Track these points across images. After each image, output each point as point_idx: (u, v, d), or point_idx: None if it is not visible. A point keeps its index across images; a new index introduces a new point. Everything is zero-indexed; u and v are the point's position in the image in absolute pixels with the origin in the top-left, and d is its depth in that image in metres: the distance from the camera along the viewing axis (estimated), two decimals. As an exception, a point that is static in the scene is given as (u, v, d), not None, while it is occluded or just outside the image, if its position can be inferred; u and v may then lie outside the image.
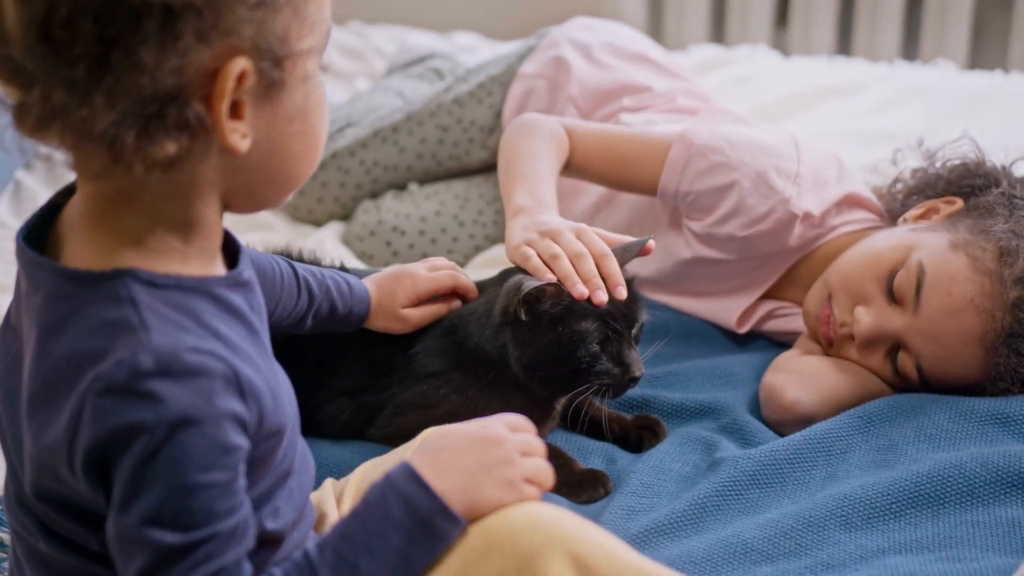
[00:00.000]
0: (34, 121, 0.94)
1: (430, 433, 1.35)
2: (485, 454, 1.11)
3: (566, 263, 1.48)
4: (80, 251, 1.01)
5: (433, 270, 1.59)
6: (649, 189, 1.86)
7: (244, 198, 1.06)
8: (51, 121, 0.93)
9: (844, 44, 3.88)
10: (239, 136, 0.98)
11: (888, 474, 1.46)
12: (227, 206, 1.05)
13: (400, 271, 1.58)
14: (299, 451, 1.15)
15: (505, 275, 1.54)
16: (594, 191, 2.12)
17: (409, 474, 1.08)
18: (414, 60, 2.81)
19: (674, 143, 1.82)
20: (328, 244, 2.19)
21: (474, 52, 2.98)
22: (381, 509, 1.06)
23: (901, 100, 2.73)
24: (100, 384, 0.94)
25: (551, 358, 1.47)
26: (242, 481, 1.00)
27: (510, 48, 2.68)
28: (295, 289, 1.45)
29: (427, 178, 2.35)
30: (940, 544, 1.37)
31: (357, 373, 1.58)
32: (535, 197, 1.68)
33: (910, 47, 3.80)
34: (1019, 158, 1.82)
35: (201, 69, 0.94)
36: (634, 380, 1.50)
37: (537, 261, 1.50)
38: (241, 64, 0.95)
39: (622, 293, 1.47)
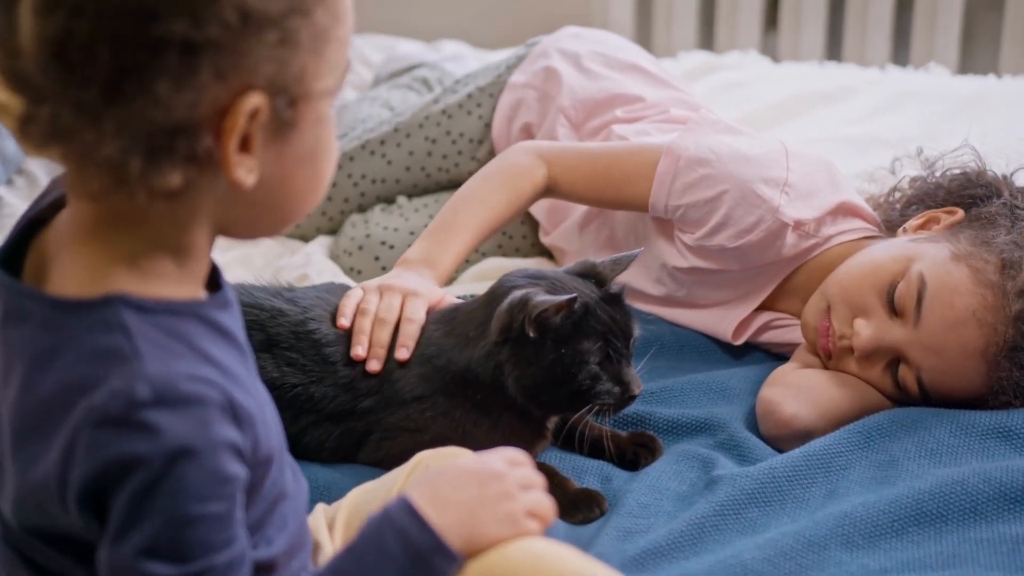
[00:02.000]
0: (39, 137, 0.92)
1: (422, 458, 1.33)
2: (485, 488, 1.08)
3: (366, 322, 1.53)
4: (69, 273, 0.98)
5: None
6: (640, 205, 1.85)
7: (242, 227, 1.04)
8: (57, 139, 0.92)
9: (834, 49, 3.87)
10: (245, 171, 0.96)
11: (889, 491, 1.43)
12: (224, 232, 1.03)
13: None
14: (289, 475, 1.13)
15: (494, 296, 1.51)
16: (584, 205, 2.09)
17: (406, 508, 1.05)
18: (401, 70, 2.78)
19: (662, 157, 1.81)
20: (316, 259, 2.16)
21: (461, 61, 2.96)
22: (377, 543, 1.04)
23: (893, 105, 2.71)
24: (95, 415, 0.92)
25: (553, 379, 1.45)
26: (240, 513, 0.98)
27: (498, 57, 2.66)
28: None
29: (416, 191, 2.32)
30: (943, 563, 1.34)
31: (336, 398, 1.54)
32: (427, 254, 1.74)
33: (900, 52, 3.78)
34: (1020, 167, 1.80)
35: (215, 104, 0.92)
36: (633, 398, 1.48)
37: (348, 305, 1.56)
38: (255, 101, 0.93)
39: (373, 367, 1.52)
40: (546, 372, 1.44)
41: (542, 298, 1.42)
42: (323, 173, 1.04)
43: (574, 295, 1.43)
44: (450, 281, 2.19)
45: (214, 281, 1.07)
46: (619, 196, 1.86)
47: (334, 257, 2.22)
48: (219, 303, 1.03)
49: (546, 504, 1.11)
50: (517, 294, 1.45)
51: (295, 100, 0.96)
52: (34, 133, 0.92)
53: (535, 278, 1.51)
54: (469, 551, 1.05)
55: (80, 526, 0.95)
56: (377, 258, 2.17)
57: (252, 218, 1.03)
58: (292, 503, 1.11)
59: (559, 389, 1.45)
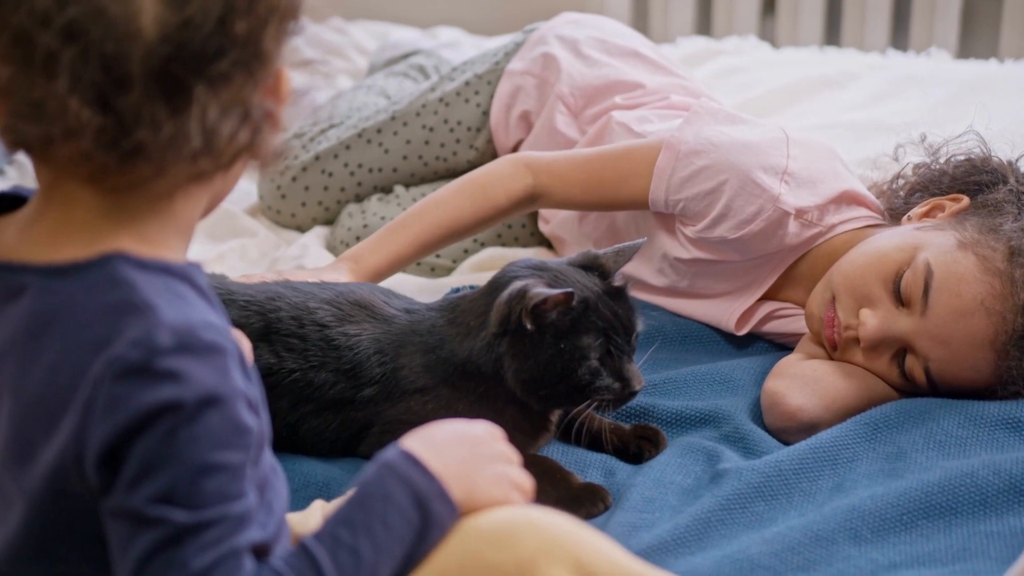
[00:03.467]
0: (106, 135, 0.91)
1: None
2: (477, 448, 1.10)
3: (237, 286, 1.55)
4: (59, 243, 0.97)
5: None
6: (640, 203, 1.83)
7: (216, 201, 1.06)
8: (167, 126, 0.92)
9: (832, 34, 3.85)
10: None
11: (897, 484, 1.40)
12: (209, 204, 1.05)
13: None
14: (271, 463, 1.11)
15: (496, 286, 1.48)
16: None
17: (407, 457, 1.05)
18: (397, 57, 2.76)
19: (661, 152, 1.79)
20: (312, 250, 2.14)
21: (458, 48, 2.93)
22: (381, 491, 1.03)
23: (895, 90, 2.69)
24: (116, 367, 0.90)
25: (552, 374, 1.42)
26: (250, 468, 0.97)
27: (495, 44, 2.63)
28: None
29: (413, 180, 2.30)
30: (953, 557, 1.31)
31: (336, 384, 1.51)
32: (358, 252, 1.80)
33: (899, 36, 3.76)
34: None
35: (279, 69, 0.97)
36: (634, 394, 1.46)
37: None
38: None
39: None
40: (545, 366, 1.42)
41: (539, 290, 1.40)
42: None
43: (571, 290, 1.40)
44: (449, 271, 2.17)
45: None
46: (617, 197, 1.85)
47: (331, 248, 2.19)
48: (199, 269, 1.03)
49: (527, 479, 1.13)
50: (517, 285, 1.43)
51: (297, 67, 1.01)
52: (127, 125, 0.91)
53: (538, 269, 1.48)
54: (465, 505, 1.06)
55: (96, 490, 0.93)
56: (375, 248, 2.15)
57: (226, 189, 1.05)
58: (274, 492, 1.10)
59: (558, 384, 1.43)
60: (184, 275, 0.99)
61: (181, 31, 0.89)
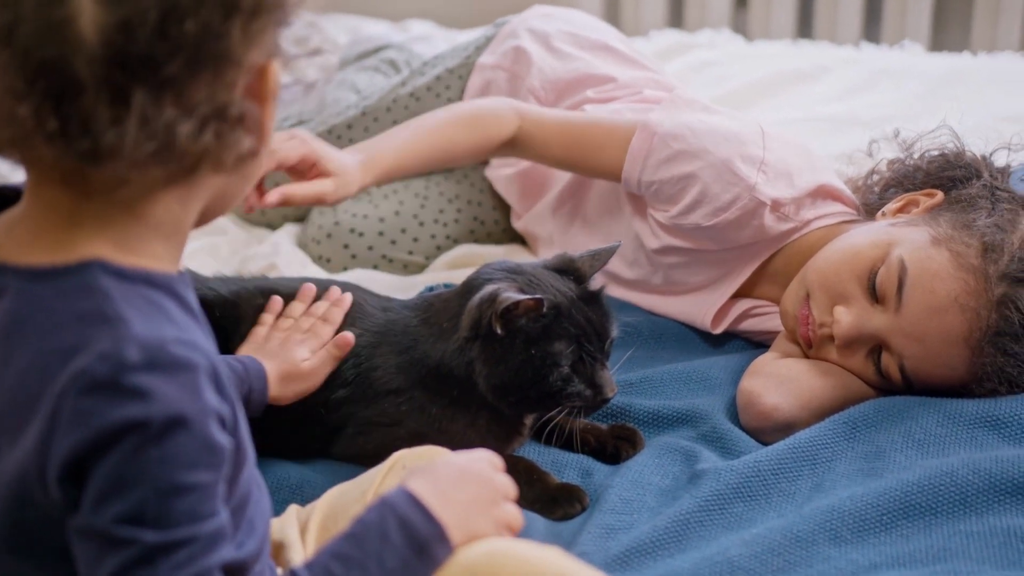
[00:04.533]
0: (94, 137, 0.88)
1: (399, 457, 1.31)
2: (481, 490, 1.10)
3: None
4: (37, 247, 0.94)
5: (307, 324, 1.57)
6: (612, 175, 1.83)
7: (219, 205, 1.03)
8: (126, 131, 0.88)
9: (805, 26, 3.84)
10: None
11: (877, 484, 1.39)
12: (206, 212, 1.02)
13: (283, 337, 1.53)
14: (255, 477, 1.09)
15: (469, 288, 1.46)
16: (559, 183, 2.05)
17: (409, 499, 1.04)
18: (368, 51, 2.73)
19: (636, 132, 1.78)
20: (284, 248, 2.11)
21: (429, 42, 2.91)
22: (379, 530, 1.02)
23: (868, 84, 2.69)
24: (82, 381, 0.88)
25: (523, 380, 1.41)
26: (222, 487, 0.95)
27: (467, 38, 2.61)
28: None
29: (384, 176, 2.27)
30: (934, 557, 1.30)
31: None
32: (363, 145, 1.77)
33: (872, 29, 3.76)
34: (999, 147, 1.76)
35: (255, 67, 0.93)
36: (605, 401, 1.45)
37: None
38: (276, 65, 0.95)
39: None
40: (515, 372, 1.41)
41: (509, 295, 1.38)
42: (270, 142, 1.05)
43: (540, 296, 1.39)
44: (422, 268, 2.15)
45: None
46: (591, 162, 1.85)
47: (302, 245, 2.17)
48: (185, 281, 1.01)
49: (520, 516, 1.13)
50: (488, 288, 1.41)
51: (288, 62, 0.98)
52: (86, 131, 0.88)
53: (512, 272, 1.46)
54: (461, 544, 1.06)
55: (59, 505, 0.91)
56: (346, 246, 2.13)
57: (233, 191, 1.03)
58: (257, 507, 1.08)
59: (529, 389, 1.42)
60: (166, 286, 0.96)
61: (119, 33, 0.86)
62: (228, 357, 1.43)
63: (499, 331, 1.38)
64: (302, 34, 3.04)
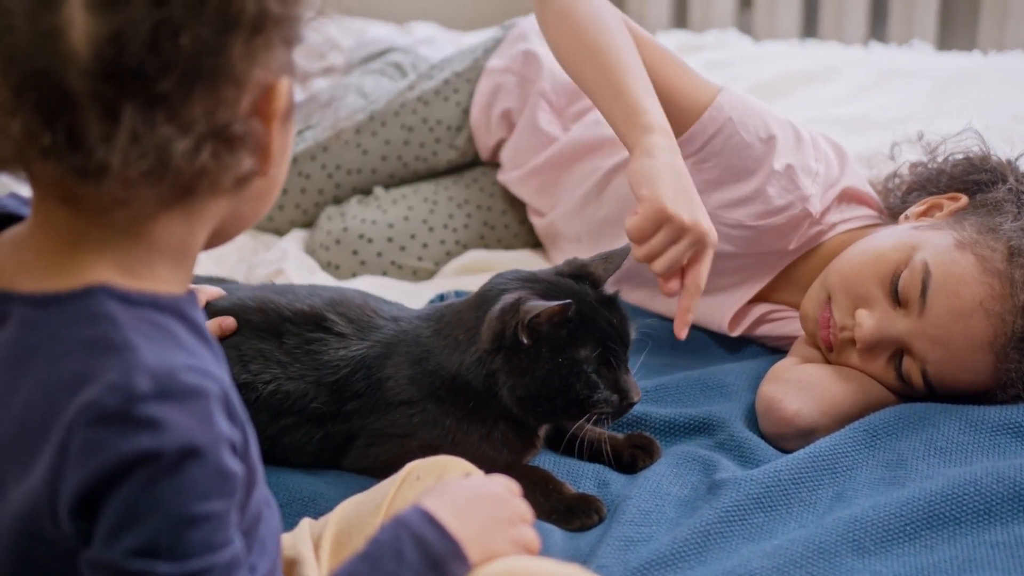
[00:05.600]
0: (85, 152, 0.85)
1: (413, 468, 1.28)
2: (498, 509, 1.07)
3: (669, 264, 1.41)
4: (40, 274, 0.92)
5: None
6: (689, 110, 1.69)
7: (234, 225, 1.00)
8: (116, 147, 0.85)
9: (810, 26, 3.82)
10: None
11: (899, 493, 1.37)
12: (218, 232, 0.99)
13: None
14: (265, 496, 1.07)
15: (484, 299, 1.44)
16: (580, 178, 2.01)
17: (424, 516, 1.02)
18: (373, 54, 2.71)
19: (717, 105, 1.68)
20: (292, 254, 2.09)
21: (434, 44, 2.89)
22: (393, 549, 1.00)
23: (878, 84, 2.67)
24: (91, 413, 0.85)
25: (550, 389, 1.38)
26: (235, 515, 0.93)
27: (472, 40, 2.59)
28: None
29: (393, 181, 2.25)
30: (959, 568, 1.28)
31: (319, 399, 1.47)
32: (662, 118, 1.51)
33: (878, 28, 3.74)
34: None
35: (262, 85, 0.90)
36: (631, 406, 1.43)
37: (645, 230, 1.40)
38: (287, 83, 0.92)
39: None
40: (542, 381, 1.38)
41: (534, 303, 1.35)
42: (289, 161, 1.03)
43: (569, 301, 1.36)
44: (431, 274, 2.13)
45: None
46: (673, 90, 1.68)
47: (310, 251, 2.15)
48: (193, 301, 0.98)
49: (537, 540, 1.11)
50: (509, 298, 1.38)
51: (304, 80, 0.95)
52: (76, 147, 0.85)
53: (527, 281, 1.44)
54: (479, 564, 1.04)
55: (71, 538, 0.89)
56: (355, 252, 2.10)
57: (246, 213, 1.00)
58: (268, 527, 1.06)
59: (556, 399, 1.39)
60: (173, 308, 0.94)
61: (110, 46, 0.82)
62: None
63: (526, 341, 1.36)
64: (320, 50, 3.02)
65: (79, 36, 0.82)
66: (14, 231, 0.96)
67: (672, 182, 1.41)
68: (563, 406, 1.40)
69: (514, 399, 1.40)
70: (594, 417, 1.41)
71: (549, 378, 1.38)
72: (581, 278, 1.46)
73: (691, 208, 1.41)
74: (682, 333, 1.44)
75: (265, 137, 0.91)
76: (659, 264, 1.40)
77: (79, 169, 0.85)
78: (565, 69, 1.65)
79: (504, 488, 1.11)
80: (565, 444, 1.51)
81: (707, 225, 1.41)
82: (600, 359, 1.39)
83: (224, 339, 1.46)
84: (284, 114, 0.93)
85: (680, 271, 1.44)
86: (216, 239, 0.99)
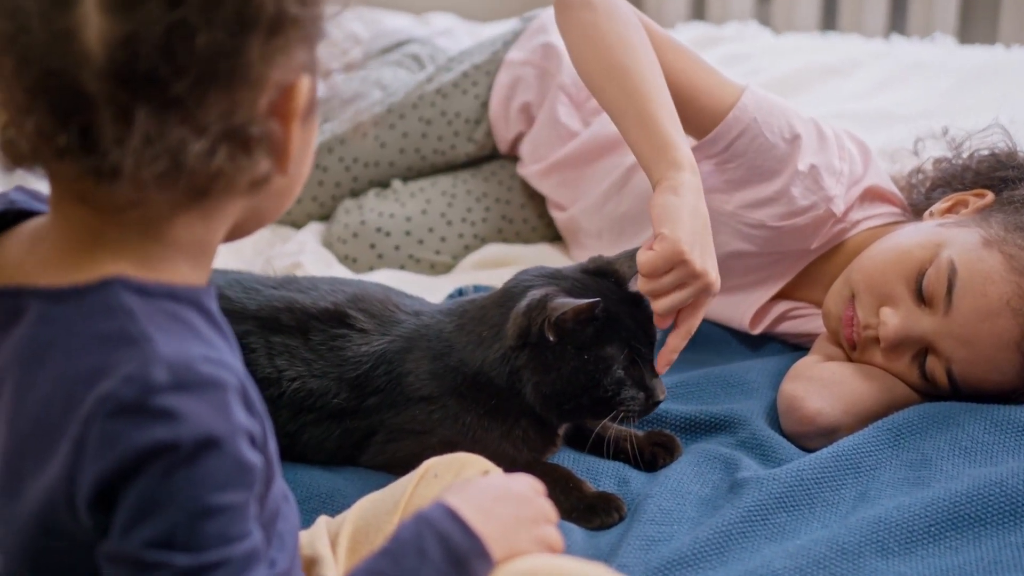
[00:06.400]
0: (100, 152, 0.84)
1: (431, 465, 1.28)
2: (522, 508, 1.06)
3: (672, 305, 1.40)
4: (57, 267, 0.91)
5: None
6: (711, 114, 1.67)
7: (254, 221, 0.99)
8: (129, 149, 0.84)
9: (829, 18, 3.80)
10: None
11: (924, 493, 1.35)
12: (237, 228, 0.98)
13: None
14: (283, 491, 1.07)
15: (509, 295, 1.42)
16: (603, 171, 2.00)
17: (447, 513, 1.01)
18: (390, 46, 2.69)
19: (741, 106, 1.66)
20: (309, 247, 2.08)
21: (452, 35, 2.87)
22: (415, 546, 0.99)
23: (900, 78, 2.64)
24: (108, 405, 0.85)
25: (576, 387, 1.37)
26: (255, 506, 0.92)
27: (490, 31, 2.58)
28: None
29: (411, 174, 2.24)
30: (984, 570, 1.26)
31: (340, 395, 1.46)
32: (690, 154, 1.49)
33: (898, 20, 3.71)
34: None
35: (281, 85, 0.89)
36: (658, 403, 1.42)
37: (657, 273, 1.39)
38: (307, 81, 0.90)
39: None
40: (568, 379, 1.37)
41: (562, 300, 1.34)
42: (311, 156, 1.01)
43: (597, 299, 1.35)
44: (449, 268, 2.12)
45: None
46: (695, 93, 1.66)
47: (327, 244, 2.13)
48: (211, 293, 0.97)
49: (561, 540, 1.10)
50: (535, 295, 1.37)
51: (326, 77, 0.93)
52: (90, 148, 0.84)
53: (553, 278, 1.43)
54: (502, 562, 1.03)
55: (89, 531, 0.89)
56: (373, 245, 2.09)
57: (267, 209, 0.99)
58: (286, 522, 1.06)
59: (582, 396, 1.38)
60: (191, 300, 0.93)
61: (124, 47, 0.82)
62: None
63: (552, 338, 1.35)
64: (342, 45, 3.01)
65: (93, 37, 0.82)
66: (32, 226, 0.96)
67: (692, 225, 1.41)
68: (588, 404, 1.39)
69: (539, 397, 1.38)
70: (620, 415, 1.40)
71: (575, 376, 1.37)
72: (606, 275, 1.45)
73: (704, 255, 1.41)
74: (662, 369, 1.44)
75: (284, 137, 0.90)
76: (662, 304, 1.40)
77: (93, 169, 0.85)
78: (586, 84, 1.63)
79: (529, 487, 1.10)
80: (576, 438, 1.50)
81: (714, 275, 1.41)
82: (626, 357, 1.38)
83: (250, 335, 1.45)
84: (305, 112, 0.92)
85: (678, 312, 1.44)
86: (236, 234, 0.99)
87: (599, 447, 1.50)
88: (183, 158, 0.85)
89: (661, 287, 1.39)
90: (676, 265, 1.38)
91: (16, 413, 0.90)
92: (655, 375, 1.42)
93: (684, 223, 1.40)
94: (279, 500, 1.03)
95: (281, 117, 0.90)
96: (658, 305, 1.40)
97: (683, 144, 1.49)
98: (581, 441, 1.52)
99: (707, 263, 1.41)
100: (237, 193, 0.91)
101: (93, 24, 0.82)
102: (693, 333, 1.45)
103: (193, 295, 0.93)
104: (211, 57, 0.84)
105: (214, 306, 0.96)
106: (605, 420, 1.42)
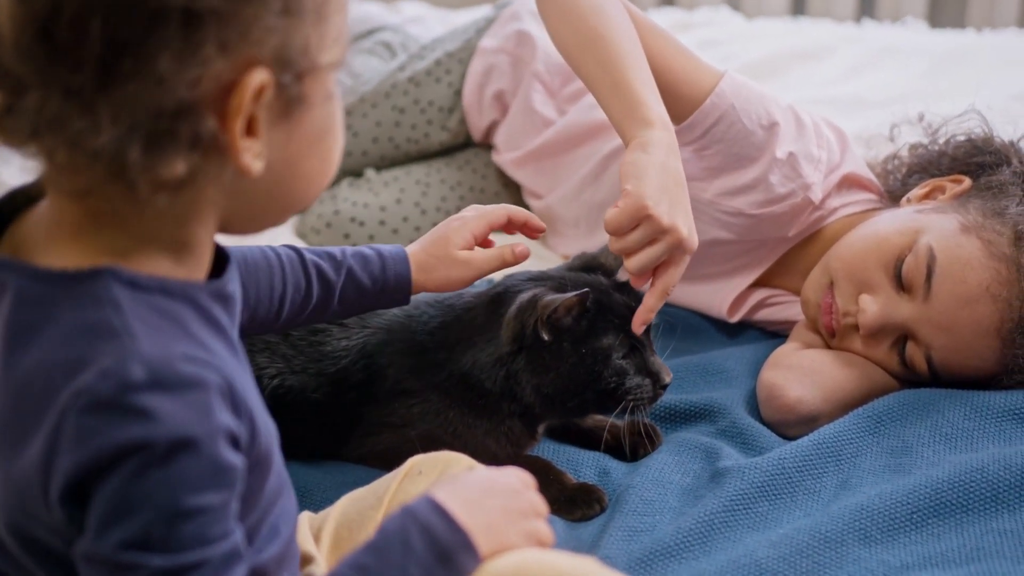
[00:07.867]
0: (21, 131, 0.83)
1: (415, 463, 1.27)
2: (511, 501, 1.04)
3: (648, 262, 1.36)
4: (51, 257, 0.90)
5: (479, 211, 1.43)
6: (689, 100, 1.65)
7: (246, 221, 0.96)
8: (43, 132, 0.83)
9: (799, 3, 3.80)
10: (252, 156, 0.88)
11: (905, 481, 1.35)
12: (226, 227, 0.95)
13: (445, 222, 1.41)
14: (280, 482, 1.05)
15: (498, 301, 1.41)
16: (579, 160, 1.99)
17: (433, 507, 1.00)
18: (361, 33, 2.66)
19: (719, 92, 1.64)
20: (282, 238, 2.05)
21: (423, 23, 2.85)
22: (401, 539, 0.97)
23: (872, 63, 2.65)
24: (84, 399, 0.83)
25: (578, 382, 1.37)
26: (235, 505, 0.91)
27: (462, 19, 2.56)
28: (302, 280, 1.33)
29: (384, 163, 2.23)
30: (967, 557, 1.26)
31: (320, 390, 1.44)
32: (663, 112, 1.46)
33: (867, 5, 3.71)
34: None
35: (219, 82, 0.84)
36: (665, 387, 1.41)
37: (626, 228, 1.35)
38: (260, 77, 0.85)
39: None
40: (569, 376, 1.36)
41: (551, 297, 1.33)
42: (333, 155, 0.97)
43: (585, 290, 1.34)
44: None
45: (222, 267, 0.99)
46: (676, 78, 1.64)
47: (301, 235, 2.12)
48: (216, 293, 0.95)
49: (551, 534, 1.08)
50: (524, 296, 1.36)
51: (302, 75, 0.89)
52: (14, 126, 0.83)
53: (540, 279, 1.42)
54: (489, 557, 1.01)
55: (62, 523, 0.87)
56: (347, 235, 2.08)
57: (257, 209, 0.95)
58: (284, 512, 1.05)
59: (585, 392, 1.37)
60: (185, 295, 0.92)
61: (31, 28, 0.80)
62: (368, 247, 1.36)
63: (547, 337, 1.34)
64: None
65: (4, 18, 0.80)
66: (40, 207, 0.95)
67: (659, 180, 1.37)
68: (594, 398, 1.38)
69: (540, 397, 1.38)
70: (630, 406, 1.39)
71: (575, 372, 1.36)
72: (592, 269, 1.44)
73: (672, 210, 1.37)
74: (638, 329, 1.39)
75: (226, 136, 0.86)
76: (632, 263, 1.37)
77: (30, 152, 0.85)
78: (565, 59, 1.60)
79: (519, 480, 1.08)
80: (563, 432, 1.49)
81: (686, 231, 1.37)
82: (624, 345, 1.38)
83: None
84: (280, 111, 0.89)
85: (653, 272, 1.40)
86: (229, 231, 0.96)
87: (579, 438, 1.50)
88: (88, 148, 0.83)
89: (628, 244, 1.36)
90: (641, 220, 1.35)
91: (2, 386, 0.89)
92: (656, 358, 1.41)
93: (650, 178, 1.36)
94: (278, 494, 1.02)
95: (219, 114, 0.86)
96: (629, 264, 1.37)
97: (655, 103, 1.46)
98: (561, 432, 1.51)
99: (676, 218, 1.36)
100: (165, 192, 0.87)
101: (4, 4, 0.81)
102: (670, 292, 1.41)
103: (187, 291, 0.92)
104: (115, 49, 0.81)
105: (212, 305, 0.94)
106: (616, 412, 1.39)
